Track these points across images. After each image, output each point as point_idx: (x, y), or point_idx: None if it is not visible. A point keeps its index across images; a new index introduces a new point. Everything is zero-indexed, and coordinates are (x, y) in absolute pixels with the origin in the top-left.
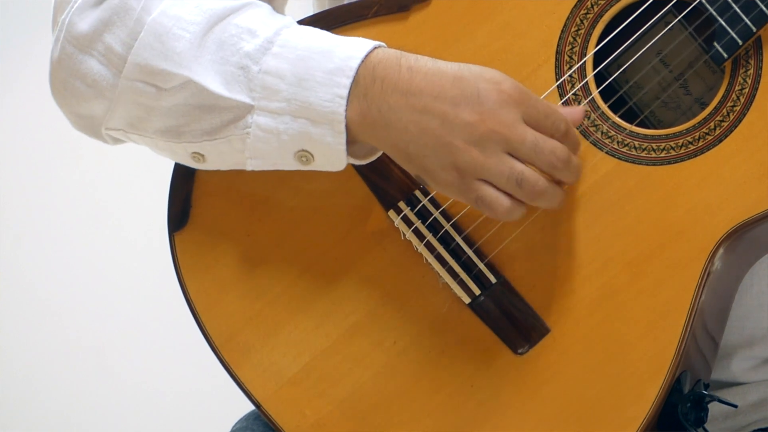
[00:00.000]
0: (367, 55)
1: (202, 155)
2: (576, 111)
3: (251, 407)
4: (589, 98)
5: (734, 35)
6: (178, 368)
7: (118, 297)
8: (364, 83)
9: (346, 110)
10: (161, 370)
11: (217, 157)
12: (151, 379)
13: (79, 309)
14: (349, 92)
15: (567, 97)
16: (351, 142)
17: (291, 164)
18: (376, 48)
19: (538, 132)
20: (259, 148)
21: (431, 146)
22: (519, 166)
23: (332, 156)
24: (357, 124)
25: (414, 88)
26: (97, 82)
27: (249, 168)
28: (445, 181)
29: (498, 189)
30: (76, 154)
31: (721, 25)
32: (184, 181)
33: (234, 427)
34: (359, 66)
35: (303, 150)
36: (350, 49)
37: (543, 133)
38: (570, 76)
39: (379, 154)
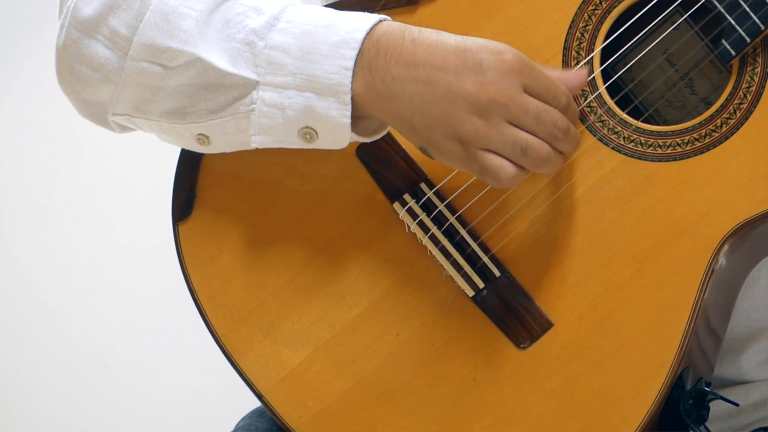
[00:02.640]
0: (372, 28)
1: (207, 137)
2: (578, 75)
3: (255, 404)
4: (596, 93)
5: (742, 33)
6: (181, 365)
7: (118, 294)
8: (369, 55)
9: (351, 82)
10: (164, 366)
11: (222, 137)
12: (153, 375)
13: (79, 307)
14: (355, 64)
15: None
16: (356, 117)
17: (295, 142)
18: (380, 21)
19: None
20: (263, 124)
21: (435, 116)
22: (523, 135)
23: (336, 131)
24: (362, 97)
25: (417, 60)
26: (103, 66)
27: (253, 146)
28: (449, 151)
29: (502, 157)
30: (77, 149)
31: (729, 23)
32: (189, 171)
33: (238, 424)
34: (364, 38)
35: (307, 127)
36: (355, 22)
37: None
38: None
39: (384, 132)
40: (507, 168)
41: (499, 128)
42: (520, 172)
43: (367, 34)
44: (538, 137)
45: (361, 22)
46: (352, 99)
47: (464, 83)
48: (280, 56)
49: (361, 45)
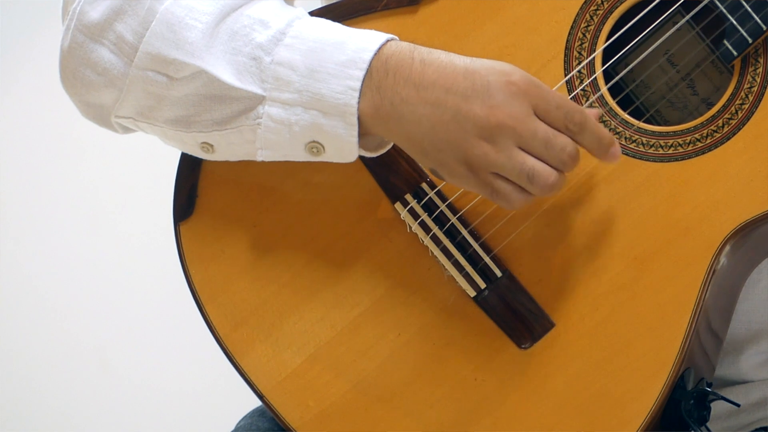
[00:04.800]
0: (380, 48)
1: (211, 145)
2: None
3: (256, 403)
4: (598, 94)
5: (744, 33)
6: (181, 364)
7: (119, 294)
8: (378, 76)
9: (358, 102)
10: (165, 366)
11: (227, 147)
12: (154, 375)
13: (80, 306)
14: (362, 84)
15: (576, 92)
16: (363, 134)
17: (301, 155)
18: (389, 41)
19: (550, 123)
20: (270, 139)
21: (445, 140)
22: (530, 162)
23: (343, 148)
24: (369, 117)
25: (426, 81)
26: (107, 70)
27: (259, 159)
28: (460, 174)
29: (509, 182)
30: (78, 149)
31: (731, 23)
32: (190, 170)
33: (238, 423)
34: (372, 58)
35: (314, 141)
36: (363, 42)
37: (555, 125)
38: (579, 72)
39: (390, 146)
40: (517, 194)
41: (507, 153)
42: (530, 196)
43: (375, 54)
44: (545, 162)
45: (369, 41)
46: (359, 119)
47: (472, 106)
48: (286, 73)
49: (369, 65)
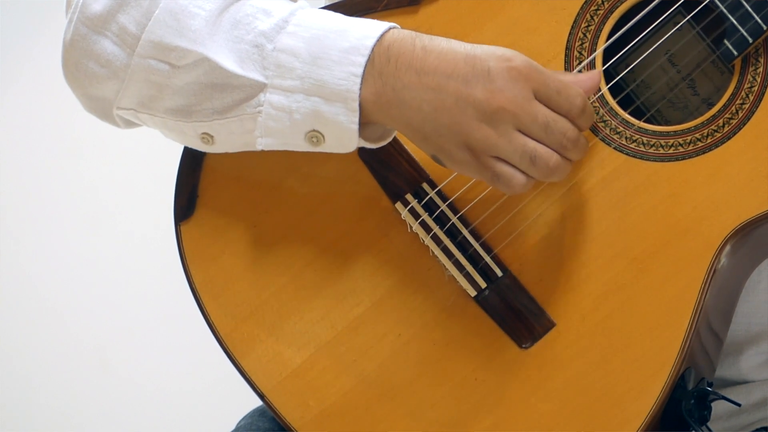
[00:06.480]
0: (382, 35)
1: (211, 136)
2: (591, 77)
3: (256, 403)
4: (598, 94)
5: (745, 33)
6: (182, 364)
7: (120, 294)
8: (379, 62)
9: (360, 88)
10: (165, 365)
11: (227, 137)
12: (155, 374)
13: (81, 306)
14: (364, 71)
15: None
16: (364, 123)
17: (301, 145)
18: (391, 28)
19: (551, 108)
20: (270, 127)
21: (445, 124)
22: (531, 144)
23: (343, 136)
24: (371, 104)
25: (428, 67)
26: (110, 62)
27: (259, 147)
28: (461, 159)
29: (512, 165)
30: (78, 148)
31: (732, 23)
32: (191, 171)
33: (239, 423)
34: (374, 45)
35: (314, 130)
36: (365, 29)
37: (556, 109)
38: (579, 72)
39: (390, 138)
40: (518, 177)
41: (508, 136)
42: (531, 180)
43: (377, 41)
44: (546, 146)
45: (371, 29)
46: (361, 105)
47: (473, 91)
48: (288, 59)
49: (371, 52)
